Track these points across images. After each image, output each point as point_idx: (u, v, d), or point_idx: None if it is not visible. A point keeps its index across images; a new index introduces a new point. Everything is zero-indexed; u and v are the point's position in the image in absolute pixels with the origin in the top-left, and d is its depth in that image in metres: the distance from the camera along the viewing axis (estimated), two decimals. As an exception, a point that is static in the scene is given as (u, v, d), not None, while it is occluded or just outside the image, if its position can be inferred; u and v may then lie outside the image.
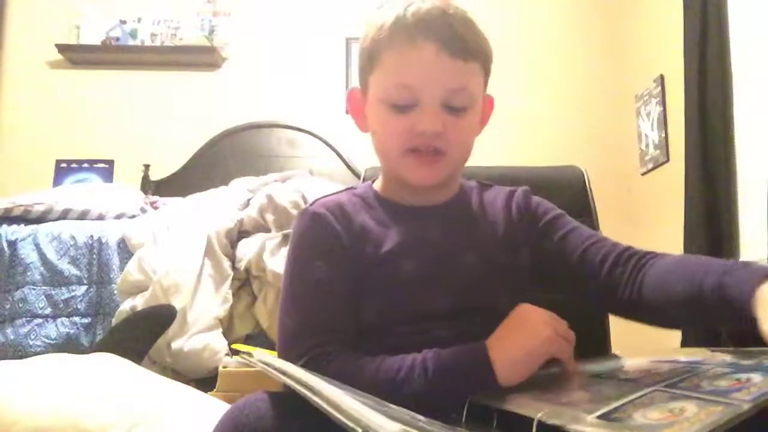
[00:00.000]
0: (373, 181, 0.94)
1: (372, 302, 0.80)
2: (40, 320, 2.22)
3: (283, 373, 0.58)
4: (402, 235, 0.84)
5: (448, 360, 0.70)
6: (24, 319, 2.21)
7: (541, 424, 0.53)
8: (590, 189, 1.21)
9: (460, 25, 0.81)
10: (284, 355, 0.75)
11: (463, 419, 0.62)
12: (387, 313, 0.80)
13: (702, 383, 0.54)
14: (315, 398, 0.52)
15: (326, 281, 0.80)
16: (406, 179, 0.85)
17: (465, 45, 0.81)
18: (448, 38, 0.79)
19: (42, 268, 2.27)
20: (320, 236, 0.84)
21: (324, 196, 0.90)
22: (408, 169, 0.83)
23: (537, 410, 0.55)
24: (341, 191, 0.93)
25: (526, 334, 0.71)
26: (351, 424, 0.47)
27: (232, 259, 2.29)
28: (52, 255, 2.29)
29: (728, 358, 0.63)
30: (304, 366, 0.69)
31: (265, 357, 0.66)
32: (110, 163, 3.29)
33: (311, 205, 0.88)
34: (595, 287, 0.83)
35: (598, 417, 0.53)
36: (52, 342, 2.18)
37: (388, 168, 0.89)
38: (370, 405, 0.51)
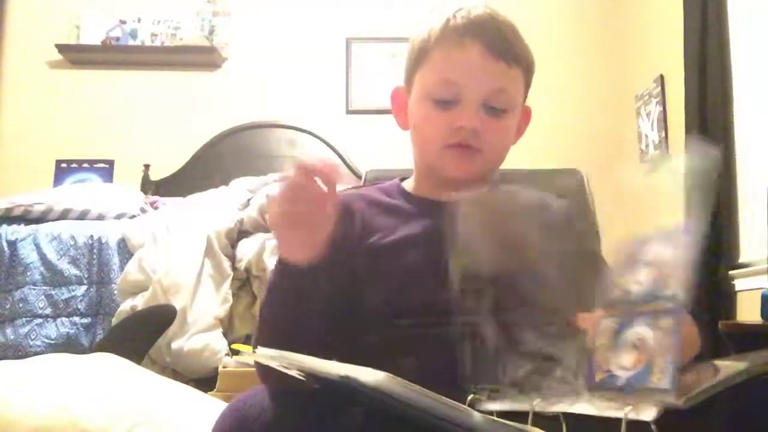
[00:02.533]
0: (401, 180, 0.96)
1: (375, 292, 0.81)
2: (40, 320, 2.22)
3: (273, 357, 0.59)
4: (414, 227, 0.85)
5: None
6: (24, 319, 2.21)
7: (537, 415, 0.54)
8: (590, 192, 1.21)
9: (507, 30, 0.86)
10: None
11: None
12: (389, 304, 0.80)
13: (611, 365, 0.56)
14: (303, 363, 0.54)
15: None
16: (442, 172, 0.87)
17: (509, 49, 0.85)
18: (494, 40, 0.84)
19: (42, 268, 2.27)
20: None
21: (346, 188, 0.94)
22: (444, 162, 0.86)
23: (531, 400, 0.56)
24: (368, 185, 0.97)
25: None
26: (341, 373, 0.48)
27: (232, 259, 2.29)
28: (52, 255, 2.29)
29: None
30: None
31: (262, 350, 0.67)
32: (110, 163, 3.29)
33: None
34: None
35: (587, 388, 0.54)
36: (52, 342, 2.18)
37: (425, 162, 0.90)
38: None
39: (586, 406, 0.53)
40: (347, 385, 0.50)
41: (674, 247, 0.53)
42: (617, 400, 0.51)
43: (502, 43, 0.84)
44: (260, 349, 0.67)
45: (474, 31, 0.84)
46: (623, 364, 0.53)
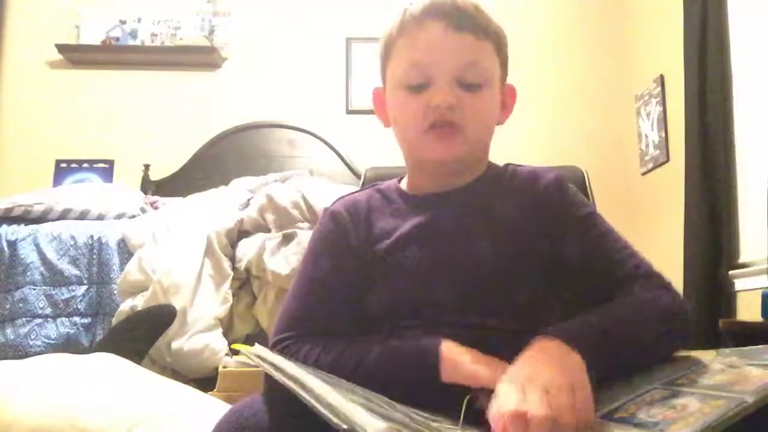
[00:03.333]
0: (400, 179, 0.95)
1: (379, 293, 0.81)
2: (40, 320, 2.22)
3: (276, 368, 0.58)
4: (412, 224, 0.84)
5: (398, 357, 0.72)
6: (24, 319, 2.21)
7: None
8: (590, 189, 1.21)
9: (467, 5, 0.84)
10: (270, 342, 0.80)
11: (461, 419, 0.62)
12: (393, 304, 0.80)
13: (638, 413, 0.53)
14: (303, 393, 0.52)
15: (319, 280, 0.83)
16: (426, 158, 0.85)
17: (473, 22, 0.83)
18: (455, 15, 0.82)
19: (42, 268, 2.27)
20: (330, 234, 0.87)
21: (346, 195, 0.93)
22: (427, 146, 0.84)
23: None
24: (365, 188, 0.95)
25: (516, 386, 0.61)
26: (337, 421, 0.47)
27: (232, 259, 2.30)
28: (52, 255, 2.29)
29: (726, 360, 0.63)
30: (274, 347, 0.75)
31: (262, 351, 0.66)
32: (110, 163, 3.29)
33: (333, 204, 0.92)
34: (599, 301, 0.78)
35: (602, 416, 0.53)
36: (52, 342, 2.18)
37: (410, 152, 0.90)
38: (360, 402, 0.51)
39: (596, 424, 0.53)
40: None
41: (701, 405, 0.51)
42: (629, 429, 0.51)
43: (463, 18, 0.82)
44: (262, 350, 0.67)
45: (433, 11, 0.83)
46: (652, 415, 0.52)
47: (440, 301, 0.78)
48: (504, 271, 0.79)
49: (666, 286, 0.78)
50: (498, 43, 0.86)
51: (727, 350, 0.66)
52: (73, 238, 2.33)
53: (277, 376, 0.57)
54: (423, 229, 0.83)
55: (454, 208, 0.85)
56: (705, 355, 0.68)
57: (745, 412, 0.46)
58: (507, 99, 0.91)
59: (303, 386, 0.53)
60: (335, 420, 0.47)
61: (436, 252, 0.81)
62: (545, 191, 0.86)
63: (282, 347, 0.77)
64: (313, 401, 0.51)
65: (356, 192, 0.94)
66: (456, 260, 0.80)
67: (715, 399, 0.48)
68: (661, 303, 0.75)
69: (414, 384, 0.69)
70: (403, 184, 0.93)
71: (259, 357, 0.65)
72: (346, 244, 0.85)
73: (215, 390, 1.75)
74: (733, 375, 0.52)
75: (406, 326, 0.77)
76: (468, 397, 0.65)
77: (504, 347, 0.69)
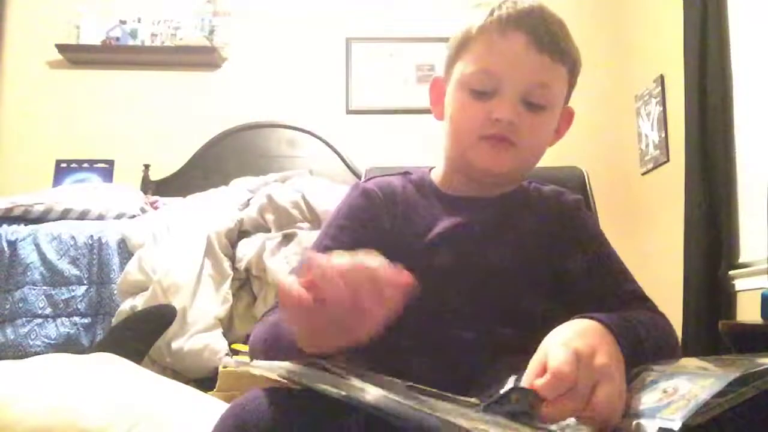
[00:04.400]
0: (430, 169, 0.93)
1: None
2: (40, 320, 2.22)
3: (273, 370, 0.58)
4: (446, 226, 0.83)
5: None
6: (24, 319, 2.21)
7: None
8: (591, 189, 1.21)
9: (554, 24, 0.83)
10: None
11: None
12: (419, 302, 0.80)
13: (630, 401, 0.53)
14: (303, 379, 0.53)
15: (331, 250, 0.81)
16: (474, 165, 0.84)
17: (555, 43, 0.82)
18: (539, 33, 0.81)
19: (42, 268, 2.27)
20: (359, 210, 0.85)
21: (379, 176, 0.91)
22: (478, 154, 0.83)
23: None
24: (397, 173, 0.93)
25: None
26: (335, 390, 0.47)
27: (232, 259, 2.29)
28: (52, 255, 2.29)
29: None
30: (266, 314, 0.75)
31: (260, 364, 0.66)
32: (110, 163, 3.29)
33: (365, 181, 0.90)
34: None
35: None
36: (52, 342, 2.18)
37: (457, 154, 0.87)
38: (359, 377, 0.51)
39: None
40: (347, 400, 0.49)
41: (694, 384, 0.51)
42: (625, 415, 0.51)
43: (548, 37, 0.81)
44: (256, 362, 0.66)
45: (519, 22, 0.81)
46: (645, 401, 0.52)
47: (457, 305, 0.78)
48: (522, 282, 0.79)
49: (659, 312, 0.79)
50: (572, 68, 0.86)
51: (709, 358, 0.66)
52: (73, 238, 2.33)
53: (273, 376, 0.57)
54: (455, 233, 0.83)
55: (485, 215, 0.85)
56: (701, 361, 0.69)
57: (739, 397, 0.46)
58: (562, 122, 0.90)
59: (303, 375, 0.53)
60: (335, 390, 0.48)
61: (464, 257, 0.81)
62: (566, 210, 0.88)
63: (267, 313, 0.76)
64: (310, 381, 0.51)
65: (390, 175, 0.92)
66: (479, 267, 0.80)
67: (703, 378, 0.48)
68: (665, 322, 0.76)
69: (290, 355, 0.63)
70: (435, 178, 0.92)
71: (257, 368, 0.64)
72: (375, 224, 0.83)
73: (215, 390, 1.74)
74: (661, 394, 0.52)
75: (418, 329, 0.76)
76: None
77: (513, 356, 0.69)
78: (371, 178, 0.90)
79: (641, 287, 0.82)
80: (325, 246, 0.82)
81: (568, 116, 0.91)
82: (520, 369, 0.71)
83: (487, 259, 0.81)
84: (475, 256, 0.81)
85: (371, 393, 0.48)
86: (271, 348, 0.69)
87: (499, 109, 0.80)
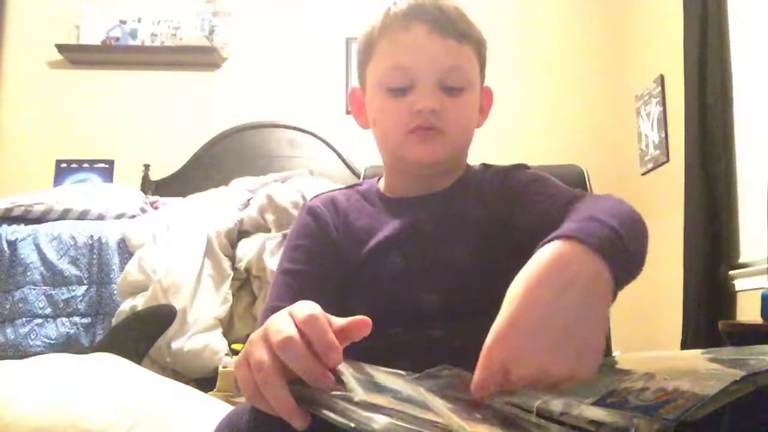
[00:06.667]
0: (378, 179, 0.94)
1: (361, 300, 0.80)
2: (40, 320, 2.22)
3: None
4: (392, 229, 0.83)
5: None
6: (24, 319, 2.21)
7: (540, 412, 0.54)
8: (591, 188, 1.21)
9: (450, 9, 0.84)
10: None
11: None
12: (375, 312, 0.79)
13: (629, 396, 0.53)
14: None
15: (294, 272, 0.82)
16: (408, 160, 0.85)
17: (455, 27, 0.83)
18: (438, 20, 0.82)
19: (42, 268, 2.27)
20: (308, 229, 0.86)
21: (323, 192, 0.92)
22: (409, 149, 0.83)
23: (535, 398, 0.55)
24: (343, 188, 0.94)
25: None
26: (343, 420, 0.47)
27: (232, 259, 2.30)
28: (52, 255, 2.29)
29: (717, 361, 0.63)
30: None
31: None
32: (110, 163, 3.29)
33: (311, 199, 0.91)
34: None
35: (594, 403, 0.53)
36: (52, 342, 2.18)
37: (390, 154, 0.89)
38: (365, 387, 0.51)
39: (591, 409, 0.53)
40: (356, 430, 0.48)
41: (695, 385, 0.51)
42: (622, 412, 0.51)
43: (447, 22, 0.82)
44: None
45: (417, 13, 0.82)
46: (642, 399, 0.51)
47: (424, 306, 0.78)
48: (484, 273, 0.78)
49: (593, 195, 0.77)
50: (478, 47, 0.86)
51: (714, 349, 0.66)
52: (73, 238, 2.33)
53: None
54: (404, 234, 0.83)
55: (431, 213, 0.85)
56: (700, 353, 0.68)
57: (738, 392, 0.46)
58: (484, 102, 0.91)
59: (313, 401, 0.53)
60: (341, 420, 0.47)
61: (418, 257, 0.81)
62: (500, 183, 0.86)
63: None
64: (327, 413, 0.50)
65: (334, 190, 0.93)
66: (437, 266, 0.80)
67: (706, 379, 0.49)
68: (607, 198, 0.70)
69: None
70: (381, 186, 0.92)
71: None
72: (324, 236, 0.85)
73: (215, 390, 1.75)
74: (661, 393, 0.52)
75: (391, 334, 0.76)
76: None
77: None
78: (316, 196, 0.92)
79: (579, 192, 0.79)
80: (285, 269, 0.83)
81: (488, 95, 0.92)
82: None
83: (441, 255, 0.81)
84: (428, 255, 0.81)
85: (379, 422, 0.47)
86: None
87: (419, 99, 0.81)
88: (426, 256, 0.81)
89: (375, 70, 0.85)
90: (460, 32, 0.83)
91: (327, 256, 0.83)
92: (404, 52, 0.82)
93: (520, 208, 0.81)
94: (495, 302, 0.74)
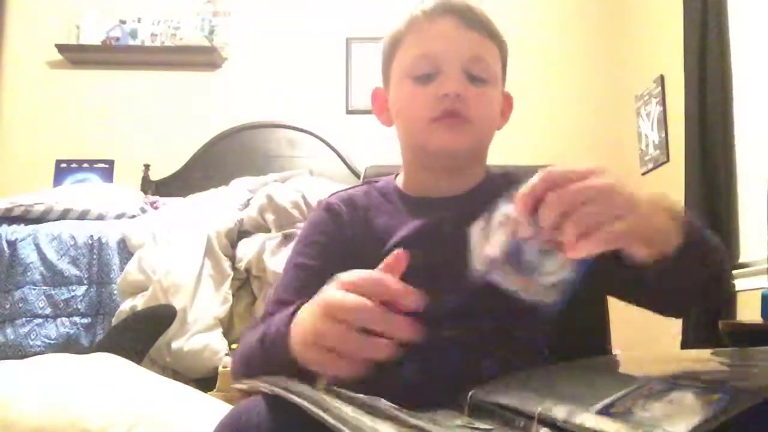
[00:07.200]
0: (396, 176, 0.94)
1: None
2: (40, 320, 2.22)
3: (286, 389, 0.58)
4: (412, 228, 0.83)
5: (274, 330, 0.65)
6: (24, 319, 2.21)
7: (541, 417, 0.53)
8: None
9: (477, 8, 0.86)
10: None
11: (465, 414, 0.62)
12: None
13: (634, 407, 0.53)
14: (319, 411, 0.52)
15: (305, 266, 0.82)
16: (431, 148, 0.85)
17: (482, 22, 0.85)
18: (466, 13, 0.84)
19: (42, 268, 2.27)
20: (323, 224, 0.86)
21: (341, 190, 0.92)
22: (434, 137, 0.84)
23: (538, 404, 0.55)
24: (360, 185, 0.94)
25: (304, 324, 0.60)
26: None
27: (232, 259, 2.30)
28: (52, 255, 2.29)
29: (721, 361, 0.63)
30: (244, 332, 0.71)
31: (268, 378, 0.65)
32: (110, 163, 3.29)
33: (329, 196, 0.91)
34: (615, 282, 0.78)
35: (598, 412, 0.53)
36: (52, 342, 2.18)
37: (412, 146, 0.89)
38: (378, 413, 0.51)
39: (594, 418, 0.52)
40: None
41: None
42: (624, 424, 0.51)
43: (474, 16, 0.84)
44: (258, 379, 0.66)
45: (444, 7, 0.84)
46: (648, 409, 0.52)
47: (441, 306, 0.77)
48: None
49: None
50: (501, 48, 0.88)
51: (726, 350, 0.66)
52: (73, 238, 2.33)
53: (292, 397, 0.56)
54: (424, 234, 0.83)
55: (452, 214, 0.84)
56: (701, 354, 0.68)
57: (739, 407, 0.46)
58: (505, 106, 0.92)
59: (318, 404, 0.53)
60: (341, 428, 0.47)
61: (437, 258, 0.80)
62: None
63: (251, 325, 0.75)
64: (328, 418, 0.50)
65: (351, 188, 0.93)
66: (455, 267, 0.80)
67: (712, 393, 0.48)
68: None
69: (281, 368, 0.60)
70: (400, 183, 0.92)
71: (266, 383, 0.64)
72: (340, 234, 0.84)
73: (215, 390, 1.75)
74: (734, 372, 0.52)
75: None
76: (470, 394, 0.65)
77: (500, 349, 0.70)
78: (333, 194, 0.91)
79: None
80: (297, 263, 0.83)
81: (508, 101, 0.93)
82: (510, 361, 0.71)
83: (460, 256, 0.81)
84: (447, 255, 0.81)
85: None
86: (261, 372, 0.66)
87: (444, 84, 0.82)
88: (445, 256, 0.80)
89: (400, 63, 0.87)
90: (486, 28, 0.85)
91: (341, 254, 0.82)
92: (431, 42, 0.84)
93: None
94: (510, 305, 0.75)
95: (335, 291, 0.57)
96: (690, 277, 0.68)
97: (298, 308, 0.64)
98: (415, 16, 0.85)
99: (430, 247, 0.81)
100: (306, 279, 0.81)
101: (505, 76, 0.91)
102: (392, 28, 0.89)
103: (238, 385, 0.64)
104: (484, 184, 0.90)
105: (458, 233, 0.83)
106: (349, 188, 0.93)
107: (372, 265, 0.81)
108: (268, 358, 0.66)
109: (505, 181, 0.90)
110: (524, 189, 0.53)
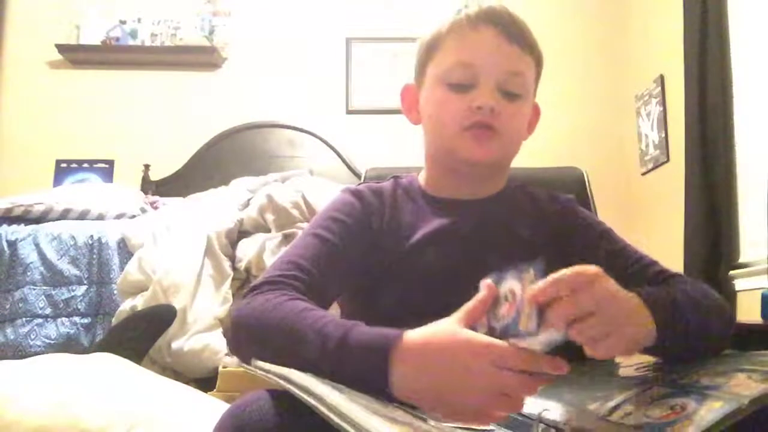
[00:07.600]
0: (419, 174, 0.96)
1: (392, 290, 0.81)
2: (40, 320, 2.21)
3: (286, 379, 0.58)
4: (432, 227, 0.85)
5: (354, 348, 0.62)
6: (24, 319, 2.21)
7: (542, 419, 0.53)
8: (590, 190, 1.21)
9: (519, 20, 0.88)
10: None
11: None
12: (404, 303, 0.80)
13: (636, 412, 0.53)
14: (316, 403, 0.52)
15: (325, 240, 0.82)
16: (459, 156, 0.86)
17: (523, 35, 0.86)
18: (508, 25, 0.85)
19: (42, 268, 2.27)
20: (352, 209, 0.87)
21: (366, 182, 0.95)
22: (463, 145, 0.85)
23: (540, 408, 0.55)
24: (386, 181, 0.95)
25: (454, 385, 0.58)
26: (352, 430, 0.47)
27: (232, 259, 2.30)
28: (52, 255, 2.29)
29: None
30: (250, 291, 0.71)
31: (264, 365, 0.65)
32: (110, 163, 3.29)
33: (357, 185, 0.93)
34: None
35: (600, 417, 0.53)
36: (52, 342, 2.18)
37: (440, 149, 0.90)
38: (375, 410, 0.51)
39: (595, 422, 0.52)
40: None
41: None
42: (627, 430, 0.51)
43: (516, 29, 0.85)
44: (263, 365, 0.66)
45: (488, 16, 0.85)
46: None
47: (448, 307, 0.78)
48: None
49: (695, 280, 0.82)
50: (537, 61, 0.90)
51: (726, 352, 0.66)
52: (73, 238, 2.33)
53: (288, 387, 0.56)
54: (442, 233, 0.85)
55: (472, 217, 0.87)
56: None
57: (740, 414, 0.46)
58: (532, 117, 0.93)
59: (315, 395, 0.53)
60: (350, 429, 0.47)
61: (452, 259, 0.82)
62: (561, 212, 0.90)
63: (256, 292, 0.72)
64: (326, 410, 0.50)
65: (378, 182, 0.95)
66: (469, 269, 0.80)
67: (714, 400, 0.48)
68: (715, 294, 0.77)
69: (362, 388, 0.58)
70: (422, 181, 0.94)
71: (264, 370, 0.63)
72: (366, 221, 0.86)
73: (215, 390, 1.74)
74: (668, 411, 0.52)
75: (413, 327, 0.76)
76: None
77: None
78: (361, 183, 0.94)
79: (658, 265, 0.86)
80: (317, 234, 0.82)
81: (536, 111, 0.94)
82: None
83: (476, 260, 0.81)
84: (464, 257, 0.82)
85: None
86: (283, 349, 0.65)
87: (479, 96, 0.83)
88: (460, 259, 0.82)
89: (438, 65, 0.87)
90: (527, 42, 0.86)
91: (361, 240, 0.84)
92: (470, 50, 0.84)
93: (583, 246, 0.86)
94: None
95: (505, 377, 0.56)
96: (688, 346, 0.68)
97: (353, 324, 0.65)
98: (458, 20, 0.86)
99: (446, 246, 0.84)
100: (323, 251, 0.80)
101: (537, 87, 0.92)
102: (434, 26, 0.89)
103: (246, 367, 0.64)
104: (504, 192, 0.92)
105: (474, 236, 0.85)
106: (377, 182, 0.95)
107: (391, 258, 0.82)
108: (323, 359, 0.62)
109: (523, 196, 0.93)
110: (535, 290, 0.55)
